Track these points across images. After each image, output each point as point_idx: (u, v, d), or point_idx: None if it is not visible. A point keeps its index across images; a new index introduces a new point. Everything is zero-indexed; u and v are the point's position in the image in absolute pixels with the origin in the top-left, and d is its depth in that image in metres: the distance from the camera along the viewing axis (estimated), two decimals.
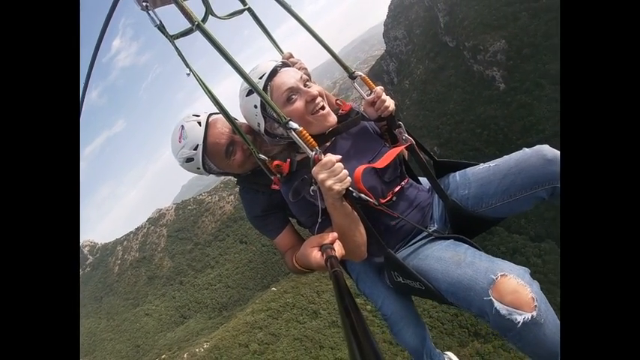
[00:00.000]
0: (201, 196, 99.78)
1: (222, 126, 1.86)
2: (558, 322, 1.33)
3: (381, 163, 1.71)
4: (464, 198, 1.83)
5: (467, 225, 1.81)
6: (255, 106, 1.68)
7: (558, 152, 1.61)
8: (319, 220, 1.61)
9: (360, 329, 0.71)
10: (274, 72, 1.69)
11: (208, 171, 1.92)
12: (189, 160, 1.84)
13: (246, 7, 1.91)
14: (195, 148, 1.81)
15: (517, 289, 1.30)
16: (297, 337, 42.85)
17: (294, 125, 1.46)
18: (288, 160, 1.70)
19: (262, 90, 1.58)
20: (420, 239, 1.80)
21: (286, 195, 1.73)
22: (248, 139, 1.65)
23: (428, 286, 1.57)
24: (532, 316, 1.27)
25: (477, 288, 1.38)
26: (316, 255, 1.42)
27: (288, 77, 1.69)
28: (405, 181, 1.87)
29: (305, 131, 1.48)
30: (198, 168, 1.87)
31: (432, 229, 1.84)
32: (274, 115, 1.51)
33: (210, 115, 1.90)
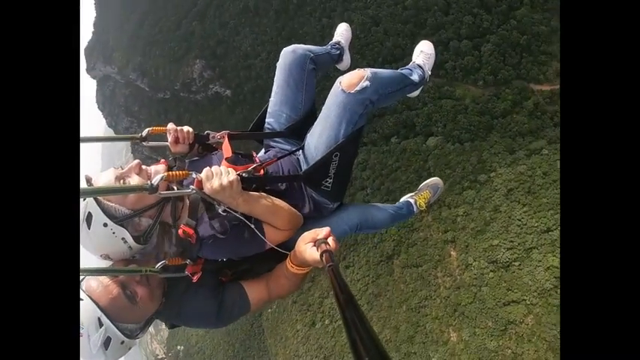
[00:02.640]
0: None
1: (99, 282, 1.58)
2: (385, 72, 2.07)
3: (225, 154, 1.92)
4: (287, 118, 2.27)
5: (305, 127, 2.20)
6: (106, 224, 1.53)
7: (295, 45, 2.31)
8: (252, 224, 1.69)
9: (359, 322, 0.73)
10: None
11: (132, 336, 1.64)
12: (107, 342, 1.53)
13: None
14: (101, 324, 1.52)
15: (351, 75, 1.90)
16: None
17: (158, 176, 1.49)
18: (180, 229, 1.64)
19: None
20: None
21: (215, 249, 1.70)
22: (131, 268, 1.58)
23: (340, 145, 1.93)
24: (370, 72, 1.91)
25: (342, 101, 1.89)
26: (311, 250, 1.45)
27: (106, 175, 1.61)
28: (255, 155, 2.15)
29: (170, 172, 1.56)
30: (122, 342, 1.58)
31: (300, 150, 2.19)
32: (127, 211, 1.54)
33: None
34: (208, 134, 2.08)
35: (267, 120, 2.32)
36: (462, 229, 32.32)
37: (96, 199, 1.52)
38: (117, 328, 1.55)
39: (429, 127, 37.41)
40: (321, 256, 1.32)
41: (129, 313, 1.60)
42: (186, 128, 1.99)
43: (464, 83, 37.25)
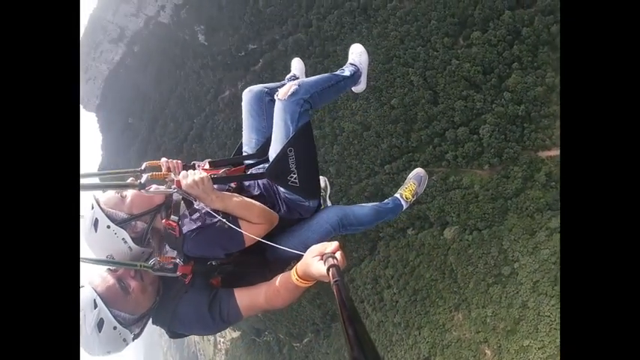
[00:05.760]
0: None
1: (99, 275, 1.93)
2: (314, 77, 2.56)
3: (207, 171, 2.30)
4: (257, 142, 2.72)
5: (266, 148, 2.55)
6: (109, 227, 1.94)
7: (251, 86, 2.79)
8: (229, 219, 2.04)
9: (362, 339, 0.77)
10: (98, 202, 2.01)
11: (125, 324, 1.88)
12: (100, 324, 1.78)
13: None
14: (96, 305, 1.78)
15: (283, 87, 2.34)
16: None
17: (145, 175, 1.96)
18: (164, 220, 2.06)
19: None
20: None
21: (198, 243, 2.06)
22: (128, 262, 1.93)
23: (291, 140, 2.31)
24: (300, 80, 2.55)
25: (280, 107, 2.33)
26: (318, 264, 1.56)
27: (108, 191, 2.08)
28: (235, 183, 2.45)
29: (154, 173, 2.04)
30: (115, 327, 1.82)
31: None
32: (125, 216, 1.97)
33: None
34: (194, 164, 2.45)
35: (243, 149, 2.79)
36: (492, 329, 33.94)
37: (100, 207, 1.96)
38: (110, 312, 1.81)
39: (442, 217, 39.13)
40: (328, 270, 1.37)
41: (122, 301, 1.88)
42: (175, 160, 2.40)
43: (469, 168, 38.28)
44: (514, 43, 37.19)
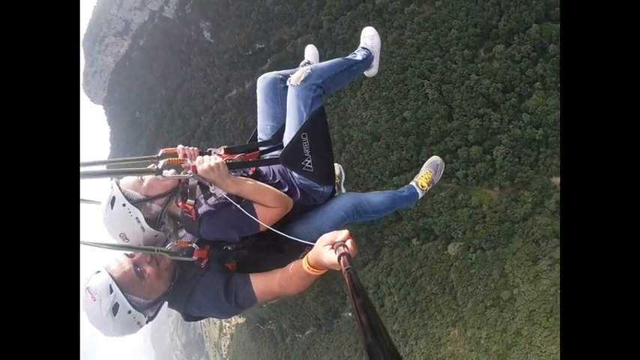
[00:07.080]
0: None
1: (116, 260, 2.02)
2: (326, 62, 2.59)
3: (223, 157, 2.33)
4: (272, 129, 2.76)
5: (282, 135, 2.61)
6: (124, 205, 2.07)
7: (265, 73, 2.85)
8: (242, 202, 2.16)
9: (375, 326, 0.78)
10: (117, 183, 2.15)
11: (139, 309, 1.98)
12: (116, 308, 1.88)
13: None
14: (111, 290, 1.87)
15: (295, 73, 2.41)
16: None
17: (162, 161, 2.10)
18: (180, 203, 2.19)
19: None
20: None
21: (213, 225, 2.19)
22: (145, 247, 2.05)
23: (305, 125, 2.36)
24: (311, 66, 2.48)
25: (293, 93, 2.38)
26: (329, 253, 1.60)
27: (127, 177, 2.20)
28: (253, 170, 2.55)
29: (170, 159, 2.15)
30: (130, 312, 1.92)
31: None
32: (140, 196, 2.11)
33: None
34: (210, 150, 2.52)
35: (258, 136, 2.88)
36: (485, 350, 35.54)
37: (119, 187, 2.09)
38: (125, 297, 1.90)
39: (448, 233, 39.39)
40: (339, 259, 1.41)
41: (137, 286, 1.99)
42: (192, 147, 2.45)
43: (479, 187, 37.97)
44: (539, 60, 35.41)
